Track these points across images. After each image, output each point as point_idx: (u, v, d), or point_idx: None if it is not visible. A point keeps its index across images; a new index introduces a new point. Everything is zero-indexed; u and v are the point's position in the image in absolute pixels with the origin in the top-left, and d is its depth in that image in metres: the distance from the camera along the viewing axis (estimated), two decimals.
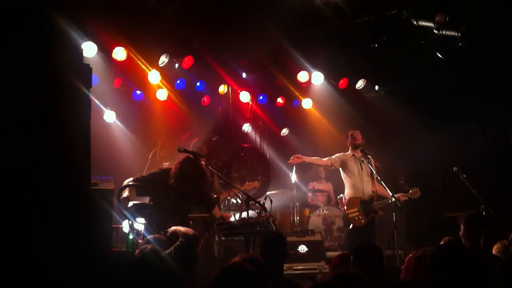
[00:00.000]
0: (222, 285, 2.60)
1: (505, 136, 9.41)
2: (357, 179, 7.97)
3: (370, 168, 7.94)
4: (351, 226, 7.95)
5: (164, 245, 4.80)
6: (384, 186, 7.72)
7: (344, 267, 4.18)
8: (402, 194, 7.87)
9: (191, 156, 5.98)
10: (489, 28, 7.53)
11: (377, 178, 7.95)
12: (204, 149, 7.88)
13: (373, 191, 7.91)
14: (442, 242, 5.31)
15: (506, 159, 9.30)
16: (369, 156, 8.09)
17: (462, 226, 5.23)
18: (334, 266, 4.46)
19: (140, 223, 5.37)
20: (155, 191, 5.73)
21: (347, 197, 8.05)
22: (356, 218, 7.80)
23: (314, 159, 8.30)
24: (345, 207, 7.97)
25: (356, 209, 7.82)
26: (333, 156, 8.17)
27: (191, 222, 6.55)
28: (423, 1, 7.64)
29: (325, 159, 8.22)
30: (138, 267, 3.86)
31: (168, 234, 5.13)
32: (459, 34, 7.53)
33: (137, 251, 4.00)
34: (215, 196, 8.12)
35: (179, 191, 5.81)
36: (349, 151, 8.16)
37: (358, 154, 8.06)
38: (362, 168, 7.97)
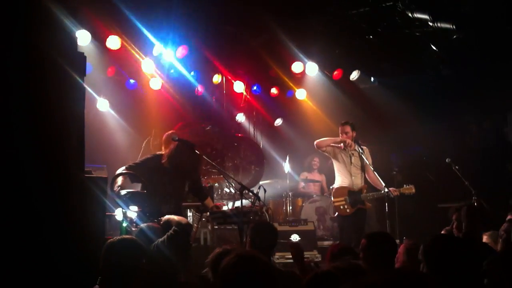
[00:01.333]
0: (236, 271, 2.67)
1: (499, 128, 9.46)
2: (346, 172, 7.99)
3: (361, 161, 7.96)
4: (336, 214, 8.05)
5: (157, 233, 4.81)
6: (377, 177, 7.74)
7: (346, 259, 4.20)
8: (394, 189, 7.88)
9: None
10: (484, 20, 7.53)
11: (371, 168, 7.97)
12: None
13: (364, 185, 7.97)
14: (443, 232, 5.37)
15: (500, 151, 9.36)
16: (363, 148, 8.07)
17: (453, 218, 5.26)
18: (332, 255, 4.47)
19: (133, 211, 5.39)
20: (149, 176, 5.77)
21: (335, 187, 8.11)
22: (341, 207, 7.85)
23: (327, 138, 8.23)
24: (332, 196, 8.01)
25: (342, 199, 7.87)
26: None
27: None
28: None
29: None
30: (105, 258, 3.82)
31: (161, 222, 5.15)
32: (454, 27, 7.54)
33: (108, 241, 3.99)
34: (208, 185, 8.14)
35: (173, 173, 5.87)
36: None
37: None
38: (351, 162, 8.00)
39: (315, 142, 8.20)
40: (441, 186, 9.30)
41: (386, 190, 7.63)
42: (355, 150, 7.99)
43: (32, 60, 3.66)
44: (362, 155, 7.96)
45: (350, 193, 7.86)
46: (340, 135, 8.04)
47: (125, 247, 3.80)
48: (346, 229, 7.84)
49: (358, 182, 7.96)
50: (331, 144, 8.05)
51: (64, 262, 3.61)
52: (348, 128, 8.01)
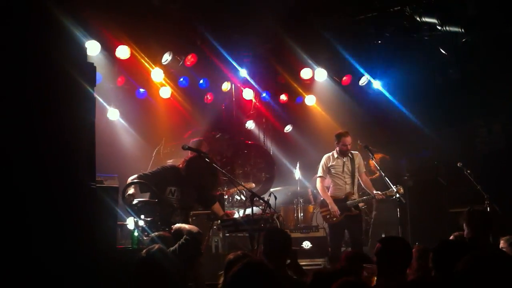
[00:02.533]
0: (243, 278, 2.70)
1: (509, 132, 9.39)
2: (340, 180, 8.03)
3: (352, 167, 7.98)
4: (323, 223, 8.18)
5: (168, 242, 4.82)
6: (388, 182, 7.71)
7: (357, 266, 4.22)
8: (379, 192, 7.88)
9: (195, 153, 6.06)
10: (491, 22, 7.50)
11: (381, 174, 7.93)
12: (206, 145, 7.95)
13: (350, 192, 7.97)
14: (452, 238, 5.32)
15: (510, 155, 9.28)
16: (353, 153, 8.08)
17: (464, 223, 5.21)
18: (347, 259, 4.47)
19: (145, 220, 5.39)
20: (159, 189, 5.77)
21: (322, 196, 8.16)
22: (327, 216, 7.92)
23: (327, 195, 8.08)
24: (319, 206, 8.09)
25: (327, 208, 7.92)
26: (321, 172, 8.11)
27: (194, 218, 6.56)
28: None
29: (319, 183, 8.13)
30: (144, 267, 3.86)
31: (172, 231, 5.16)
32: (463, 30, 7.52)
33: (143, 251, 4.01)
34: (219, 193, 8.15)
35: (187, 184, 5.89)
36: (334, 152, 8.12)
37: (343, 155, 8.06)
38: (343, 170, 8.01)
39: (317, 187, 8.18)
40: (453, 190, 9.23)
41: (397, 195, 7.60)
42: (348, 156, 8.01)
43: (42, 71, 3.69)
44: (375, 159, 7.98)
45: (337, 201, 7.89)
46: (341, 146, 7.96)
47: (164, 258, 3.84)
48: (335, 236, 7.94)
49: (349, 188, 7.99)
50: (324, 165, 8.08)
51: (75, 271, 3.62)
52: (350, 139, 7.98)
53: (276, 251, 4.56)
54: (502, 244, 5.34)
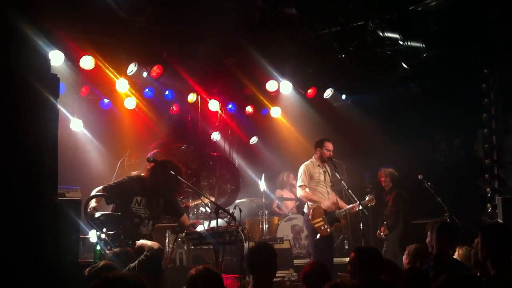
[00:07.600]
0: None
1: (469, 146, 9.63)
2: (323, 189, 7.97)
3: (330, 178, 8.02)
4: (318, 236, 7.81)
5: (130, 258, 4.79)
6: (351, 195, 7.79)
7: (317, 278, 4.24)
8: (355, 205, 7.92)
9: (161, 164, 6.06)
10: (453, 39, 7.71)
11: (344, 186, 8.02)
12: (162, 156, 7.92)
13: (335, 202, 8.00)
14: (407, 250, 5.41)
15: (470, 168, 9.52)
16: (336, 163, 8.13)
17: (429, 233, 5.31)
18: (305, 275, 4.48)
19: (107, 233, 5.33)
20: (124, 199, 5.73)
21: (312, 208, 7.94)
22: (322, 228, 7.78)
23: (316, 196, 7.95)
24: (310, 217, 7.83)
25: (321, 219, 7.81)
26: (303, 180, 7.93)
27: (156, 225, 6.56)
28: (389, 13, 7.78)
29: (303, 191, 7.96)
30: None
31: (135, 247, 5.13)
32: (424, 45, 7.70)
33: (86, 269, 3.94)
34: (184, 205, 8.12)
35: (151, 195, 5.87)
36: (315, 160, 8.11)
37: (323, 164, 8.09)
38: (325, 179, 8.02)
39: (301, 195, 8.00)
40: (414, 202, 9.40)
41: (361, 207, 7.67)
42: (325, 166, 8.05)
43: (4, 82, 3.63)
44: (336, 172, 8.01)
45: (326, 212, 7.85)
46: (323, 151, 7.97)
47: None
48: (323, 250, 7.74)
49: (332, 198, 8.00)
50: (305, 172, 7.99)
51: (36, 286, 3.55)
52: (332, 145, 8.02)
53: (262, 267, 4.51)
54: (458, 256, 5.43)
